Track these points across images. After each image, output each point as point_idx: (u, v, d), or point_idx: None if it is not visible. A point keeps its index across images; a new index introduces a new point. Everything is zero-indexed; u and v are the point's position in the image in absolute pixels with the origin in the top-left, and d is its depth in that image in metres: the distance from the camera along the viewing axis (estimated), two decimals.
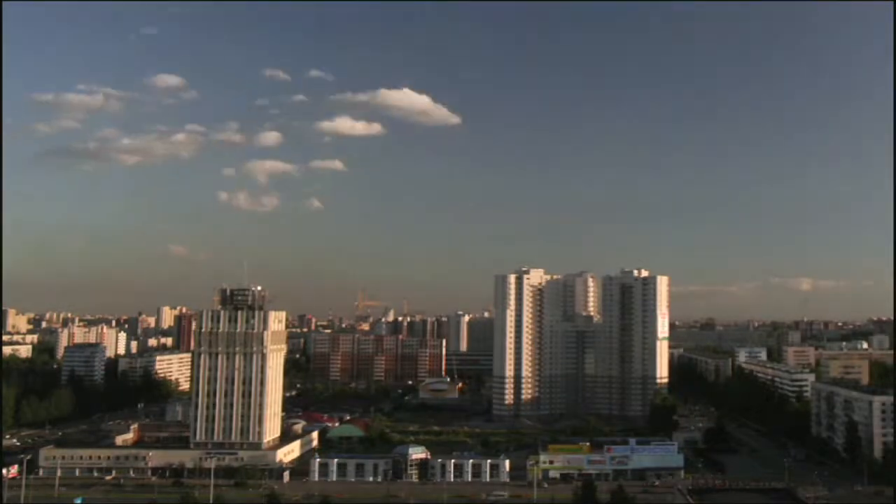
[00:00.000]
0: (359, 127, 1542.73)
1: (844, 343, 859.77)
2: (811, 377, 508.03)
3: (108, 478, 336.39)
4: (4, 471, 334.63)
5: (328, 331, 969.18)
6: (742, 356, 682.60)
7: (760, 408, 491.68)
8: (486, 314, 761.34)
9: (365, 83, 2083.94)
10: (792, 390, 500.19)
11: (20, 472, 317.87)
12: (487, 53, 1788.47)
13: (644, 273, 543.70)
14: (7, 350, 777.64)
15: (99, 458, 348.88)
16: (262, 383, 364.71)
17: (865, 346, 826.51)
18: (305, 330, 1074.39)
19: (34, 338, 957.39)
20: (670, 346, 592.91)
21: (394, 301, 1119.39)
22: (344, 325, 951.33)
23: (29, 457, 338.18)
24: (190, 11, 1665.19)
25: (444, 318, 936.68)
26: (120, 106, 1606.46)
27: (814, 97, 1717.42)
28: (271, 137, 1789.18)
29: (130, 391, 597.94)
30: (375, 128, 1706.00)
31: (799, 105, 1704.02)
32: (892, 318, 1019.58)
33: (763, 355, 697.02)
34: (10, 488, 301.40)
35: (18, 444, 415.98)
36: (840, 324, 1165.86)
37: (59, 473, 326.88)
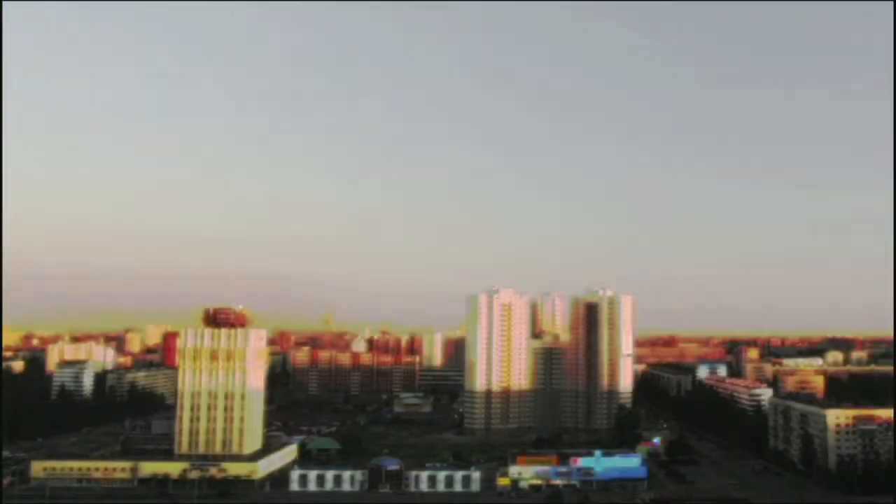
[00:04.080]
0: None
1: (800, 359, 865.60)
2: (768, 392, 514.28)
3: (96, 488, 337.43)
4: None
5: (307, 347, 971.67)
6: (702, 371, 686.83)
7: (720, 421, 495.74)
8: (459, 332, 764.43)
9: None
10: (750, 404, 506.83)
11: (12, 483, 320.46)
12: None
13: (609, 293, 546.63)
14: None
15: (88, 469, 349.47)
16: (244, 397, 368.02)
17: (820, 361, 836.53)
18: (286, 346, 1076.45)
19: (26, 354, 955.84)
20: (634, 362, 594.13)
21: (369, 318, 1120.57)
22: (322, 343, 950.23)
23: (21, 468, 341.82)
24: None
25: (418, 336, 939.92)
26: None
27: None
28: None
29: (118, 405, 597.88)
30: None
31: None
32: (845, 336, 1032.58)
33: (722, 371, 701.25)
34: (3, 498, 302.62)
35: (11, 455, 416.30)
36: (796, 340, 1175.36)
37: (49, 484, 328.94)
